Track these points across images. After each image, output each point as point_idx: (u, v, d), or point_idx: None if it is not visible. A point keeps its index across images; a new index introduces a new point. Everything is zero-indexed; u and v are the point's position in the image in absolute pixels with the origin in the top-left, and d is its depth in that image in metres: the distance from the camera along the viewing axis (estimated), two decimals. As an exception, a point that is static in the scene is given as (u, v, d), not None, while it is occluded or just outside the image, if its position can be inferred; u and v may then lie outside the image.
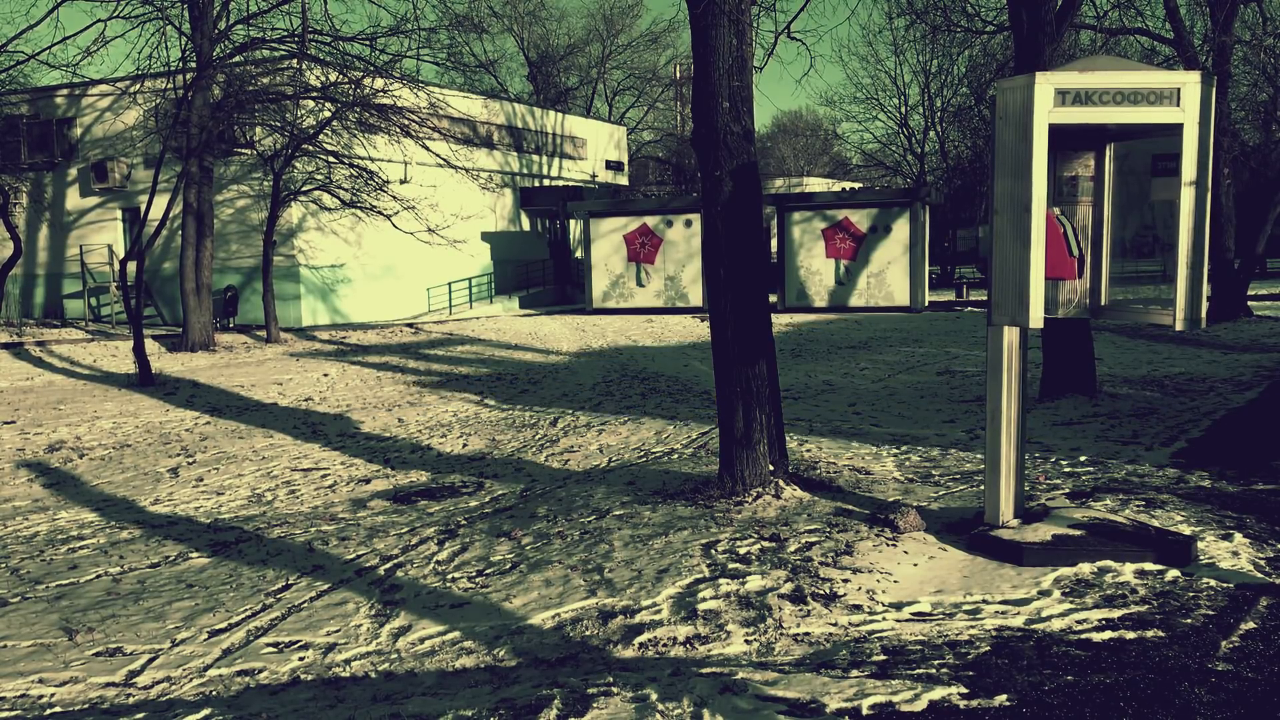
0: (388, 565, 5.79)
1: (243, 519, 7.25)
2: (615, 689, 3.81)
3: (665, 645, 4.36)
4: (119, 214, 29.01)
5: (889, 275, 25.68)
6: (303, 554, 6.15)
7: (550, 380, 14.08)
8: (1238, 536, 5.51)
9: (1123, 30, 20.03)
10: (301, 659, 4.48)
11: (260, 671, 4.37)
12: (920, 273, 25.52)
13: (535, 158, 37.49)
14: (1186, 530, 5.61)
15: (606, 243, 28.15)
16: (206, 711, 3.93)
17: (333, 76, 20.33)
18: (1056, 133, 5.18)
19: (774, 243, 30.45)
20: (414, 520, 6.90)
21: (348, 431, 10.80)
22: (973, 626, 4.41)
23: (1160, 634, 4.22)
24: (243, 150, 24.65)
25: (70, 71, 21.05)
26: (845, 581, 5.01)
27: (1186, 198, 4.95)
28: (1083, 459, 7.78)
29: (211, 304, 20.50)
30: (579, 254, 35.64)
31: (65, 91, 28.75)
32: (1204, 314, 5.12)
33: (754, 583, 5.00)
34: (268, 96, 19.81)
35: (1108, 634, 4.25)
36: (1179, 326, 5.07)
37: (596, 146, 41.52)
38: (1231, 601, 4.59)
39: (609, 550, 5.72)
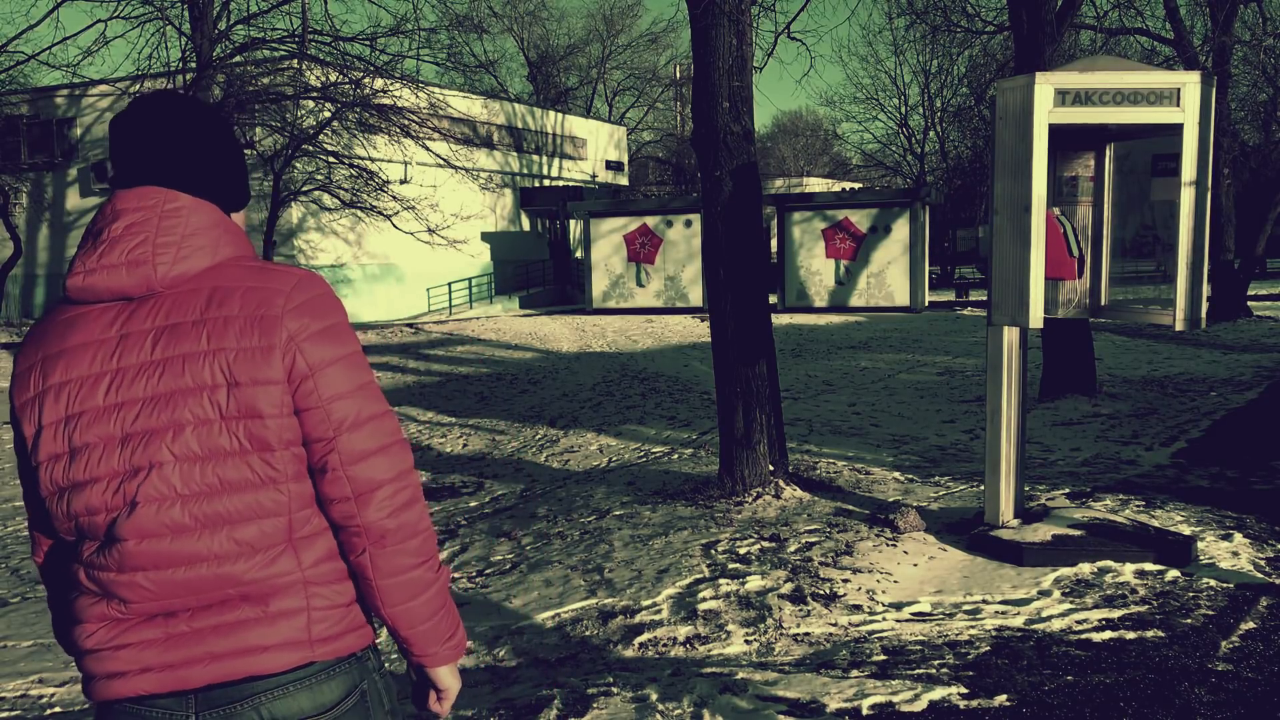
0: (388, 565, 5.79)
1: (243, 519, 7.24)
2: (615, 689, 3.81)
3: (665, 645, 4.36)
4: (119, 214, 28.98)
5: (889, 275, 25.65)
6: (303, 554, 6.15)
7: (550, 380, 14.08)
8: (1238, 536, 5.51)
9: (1123, 30, 20.01)
10: (301, 659, 4.47)
11: (260, 671, 4.36)
12: (920, 273, 25.50)
13: (535, 158, 37.49)
14: (1186, 530, 5.61)
15: (606, 243, 28.13)
16: (206, 711, 3.92)
17: (333, 77, 20.32)
18: (1056, 133, 5.18)
19: (774, 243, 30.44)
20: (414, 520, 6.89)
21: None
22: (973, 626, 4.41)
23: (1160, 634, 4.22)
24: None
25: (70, 71, 21.00)
26: (845, 582, 5.01)
27: (1186, 198, 4.95)
28: (1082, 459, 7.79)
29: (211, 304, 20.46)
30: (579, 254, 35.61)
31: (65, 91, 28.74)
32: (1204, 314, 5.12)
33: (754, 583, 5.00)
34: (268, 96, 19.79)
35: (1108, 634, 4.25)
36: (1179, 327, 5.07)
37: (596, 147, 41.52)
38: (1231, 601, 4.59)
39: (609, 550, 5.71)
